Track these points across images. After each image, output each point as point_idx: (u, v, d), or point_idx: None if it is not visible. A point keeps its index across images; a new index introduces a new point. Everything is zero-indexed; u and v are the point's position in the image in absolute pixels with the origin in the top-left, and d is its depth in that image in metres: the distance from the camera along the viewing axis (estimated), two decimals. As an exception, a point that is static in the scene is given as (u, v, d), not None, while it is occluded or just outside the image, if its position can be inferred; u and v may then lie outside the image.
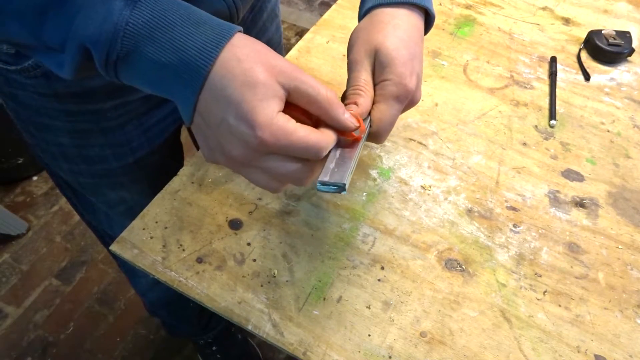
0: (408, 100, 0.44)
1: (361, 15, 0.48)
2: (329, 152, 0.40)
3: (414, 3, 0.46)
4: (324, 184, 0.38)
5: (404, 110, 0.46)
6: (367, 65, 0.44)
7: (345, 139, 0.41)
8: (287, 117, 0.34)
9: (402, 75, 0.43)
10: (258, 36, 0.71)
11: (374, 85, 0.44)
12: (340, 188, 0.38)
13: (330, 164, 0.40)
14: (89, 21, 0.32)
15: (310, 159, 0.37)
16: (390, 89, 0.43)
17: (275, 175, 0.37)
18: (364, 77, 0.43)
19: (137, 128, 0.62)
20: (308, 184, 0.39)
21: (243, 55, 0.34)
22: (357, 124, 0.39)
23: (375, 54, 0.44)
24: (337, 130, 0.39)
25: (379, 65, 0.44)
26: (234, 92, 0.33)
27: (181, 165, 0.61)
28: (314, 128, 0.37)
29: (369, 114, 0.44)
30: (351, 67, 0.45)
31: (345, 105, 0.43)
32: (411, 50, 0.44)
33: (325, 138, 0.36)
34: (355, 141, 0.41)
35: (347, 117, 0.38)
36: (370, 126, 0.44)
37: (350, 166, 0.39)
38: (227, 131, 0.34)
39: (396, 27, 0.44)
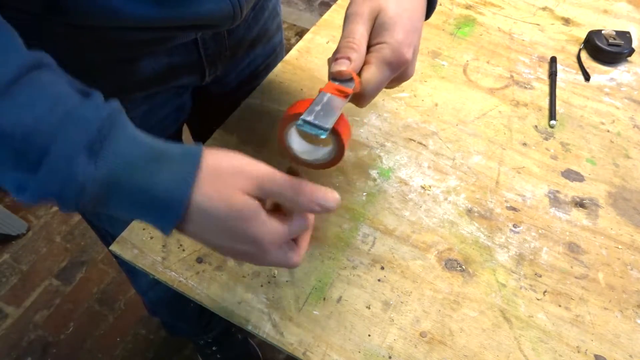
0: (400, 72, 0.43)
1: None
2: (318, 94, 0.40)
3: None
4: (306, 122, 0.38)
5: (393, 83, 0.45)
6: (367, 20, 0.42)
7: (338, 91, 0.41)
8: (277, 220, 0.37)
9: (401, 43, 0.42)
10: (260, 35, 0.71)
11: (370, 45, 0.43)
12: (322, 131, 0.38)
13: (317, 107, 0.39)
14: (53, 177, 0.31)
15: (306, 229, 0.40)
16: (386, 53, 0.42)
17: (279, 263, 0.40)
18: (361, 31, 0.42)
19: (137, 127, 0.62)
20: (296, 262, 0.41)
21: (211, 189, 0.34)
22: (331, 205, 0.38)
23: (377, 13, 0.42)
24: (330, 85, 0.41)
25: (378, 27, 0.42)
26: (221, 228, 0.35)
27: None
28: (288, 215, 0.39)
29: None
30: (349, 19, 0.43)
31: (337, 58, 0.42)
32: (414, 22, 0.43)
33: (303, 220, 0.39)
34: (345, 94, 0.41)
35: (319, 200, 0.37)
36: (358, 85, 0.42)
37: (336, 114, 0.39)
38: (238, 255, 0.38)
39: None
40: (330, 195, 0.37)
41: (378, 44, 0.42)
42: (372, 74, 0.42)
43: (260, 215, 0.36)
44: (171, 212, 0.34)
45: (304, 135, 0.44)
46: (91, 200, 0.33)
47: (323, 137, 0.38)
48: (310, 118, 0.38)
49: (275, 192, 0.36)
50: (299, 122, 0.38)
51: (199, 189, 0.34)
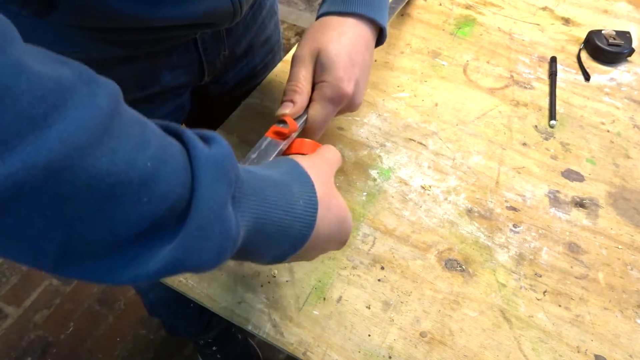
0: (345, 104, 0.47)
1: (315, 20, 0.51)
2: (258, 141, 0.44)
3: (361, 14, 0.49)
4: None
5: (342, 112, 0.49)
6: (308, 63, 0.47)
7: (276, 134, 0.44)
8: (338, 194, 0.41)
9: (340, 79, 0.46)
10: (258, 33, 0.71)
11: (314, 84, 0.47)
12: None
13: (253, 154, 0.43)
14: (204, 235, 0.26)
15: None
16: (326, 91, 0.46)
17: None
18: (303, 73, 0.46)
19: None
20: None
21: (323, 199, 0.37)
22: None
23: (317, 54, 0.47)
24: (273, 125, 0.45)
25: (319, 67, 0.47)
26: (333, 231, 0.39)
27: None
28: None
29: (305, 110, 0.47)
30: (293, 62, 0.48)
31: (283, 101, 0.46)
32: (353, 57, 0.47)
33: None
34: (284, 136, 0.45)
35: None
36: (306, 121, 0.47)
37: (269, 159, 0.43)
38: (327, 248, 0.41)
39: (341, 34, 0.47)
40: None
41: (320, 82, 0.47)
42: (316, 110, 0.47)
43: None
44: (305, 235, 0.35)
45: None
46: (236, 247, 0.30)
47: None
48: (245, 165, 0.42)
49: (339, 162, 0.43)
50: None
51: (319, 216, 0.36)
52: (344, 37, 0.47)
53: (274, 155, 0.43)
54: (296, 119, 0.46)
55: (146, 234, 0.24)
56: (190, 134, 0.28)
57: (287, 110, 0.45)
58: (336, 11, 0.49)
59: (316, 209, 0.35)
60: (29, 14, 0.43)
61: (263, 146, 0.44)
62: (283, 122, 0.45)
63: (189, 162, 0.26)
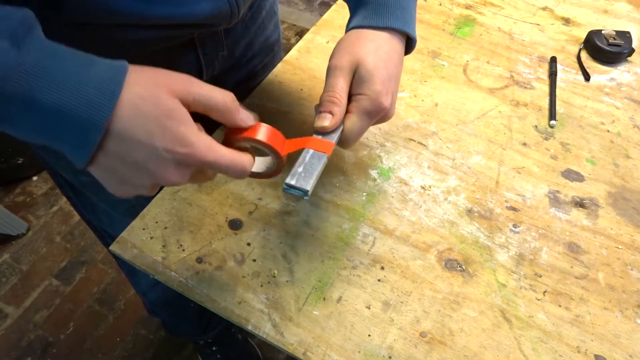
0: (380, 116, 0.47)
1: (346, 32, 0.51)
2: (301, 154, 0.43)
3: (395, 28, 0.49)
4: (290, 186, 0.42)
5: (376, 123, 0.49)
6: (346, 73, 0.46)
7: (318, 146, 0.44)
8: (210, 138, 0.37)
9: (379, 93, 0.46)
10: (257, 34, 0.71)
11: (350, 95, 0.47)
12: (304, 193, 0.41)
13: (299, 168, 0.43)
14: None
15: (233, 177, 0.40)
16: (365, 104, 0.46)
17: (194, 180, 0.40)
18: (341, 84, 0.46)
19: None
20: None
21: (142, 89, 0.34)
22: (252, 122, 0.41)
23: (356, 66, 0.46)
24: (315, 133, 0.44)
25: (358, 79, 0.46)
26: (153, 126, 0.34)
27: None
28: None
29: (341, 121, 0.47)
30: (331, 72, 0.47)
31: (321, 112, 0.46)
32: (390, 70, 0.47)
33: (248, 160, 0.40)
34: (327, 146, 0.45)
35: (243, 118, 0.40)
36: (342, 132, 0.47)
37: (315, 174, 0.42)
38: (156, 156, 0.35)
39: (378, 47, 0.47)
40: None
41: (358, 94, 0.46)
42: (353, 122, 0.46)
43: (190, 120, 0.36)
44: (103, 107, 0.32)
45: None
46: (13, 92, 0.31)
47: (306, 199, 0.42)
48: (292, 182, 0.42)
49: (203, 99, 0.36)
50: (284, 186, 0.42)
51: (129, 86, 0.33)
52: (381, 51, 0.47)
53: (320, 169, 0.43)
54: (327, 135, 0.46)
55: None
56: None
57: (326, 122, 0.45)
58: (370, 25, 0.49)
59: (119, 83, 0.33)
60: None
61: (307, 159, 0.44)
62: (320, 132, 0.45)
63: None
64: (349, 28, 0.51)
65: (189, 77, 0.37)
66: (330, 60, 0.48)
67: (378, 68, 0.46)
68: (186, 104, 0.36)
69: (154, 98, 0.34)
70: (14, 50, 0.30)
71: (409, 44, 0.52)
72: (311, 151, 0.44)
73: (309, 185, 0.41)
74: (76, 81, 0.32)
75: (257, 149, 0.42)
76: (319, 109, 0.46)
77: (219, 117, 0.38)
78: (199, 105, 0.37)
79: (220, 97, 0.37)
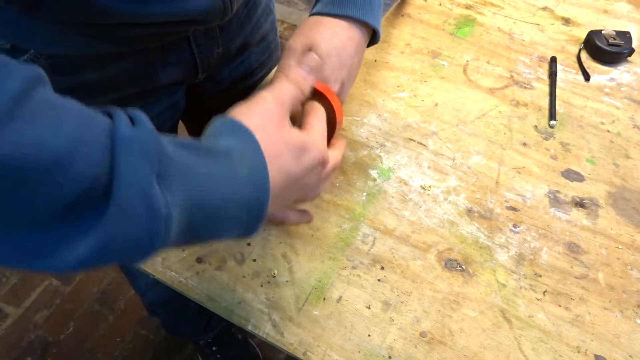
0: None
1: (308, 16, 0.52)
2: None
3: (354, 17, 0.49)
4: None
5: None
6: (298, 54, 0.48)
7: None
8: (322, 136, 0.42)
9: (326, 80, 0.47)
10: (253, 32, 0.71)
11: None
12: None
13: None
14: (128, 212, 0.27)
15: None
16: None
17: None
18: (293, 65, 0.48)
19: None
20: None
21: (267, 139, 0.37)
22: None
23: (308, 50, 0.48)
24: None
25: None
26: (293, 155, 0.38)
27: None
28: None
29: None
30: (284, 53, 0.49)
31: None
32: (342, 59, 0.48)
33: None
34: None
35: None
36: None
37: None
38: (301, 177, 0.39)
39: (334, 35, 0.49)
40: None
41: None
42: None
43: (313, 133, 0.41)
44: (260, 198, 0.34)
45: None
46: (180, 232, 0.30)
47: None
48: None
49: (295, 97, 0.41)
50: None
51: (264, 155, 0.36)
52: (336, 39, 0.48)
53: None
54: None
55: (66, 215, 0.24)
56: (120, 114, 0.28)
57: None
58: (329, 13, 0.50)
59: (264, 165, 0.34)
60: (15, 10, 0.43)
61: None
62: None
63: (111, 141, 0.26)
64: (310, 14, 0.52)
65: (280, 89, 0.42)
66: (287, 42, 0.50)
67: (330, 55, 0.47)
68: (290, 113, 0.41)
69: (281, 139, 0.38)
70: (165, 204, 0.28)
71: (373, 36, 0.53)
72: None
73: None
74: (232, 203, 0.33)
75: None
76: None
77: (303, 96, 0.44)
78: (293, 102, 0.42)
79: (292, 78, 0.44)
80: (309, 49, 0.48)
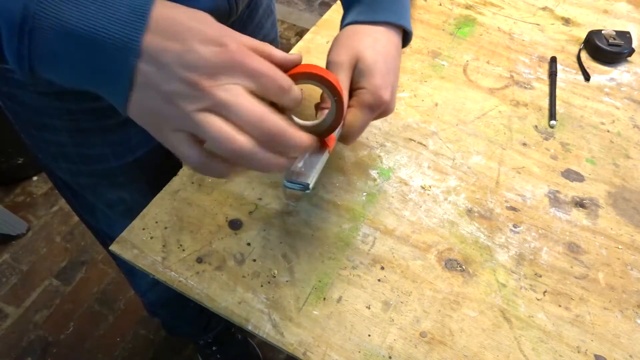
0: (381, 110, 0.47)
1: (341, 28, 0.51)
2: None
3: (391, 22, 0.49)
4: (291, 181, 0.41)
5: (376, 118, 0.49)
6: (347, 69, 0.46)
7: (317, 143, 0.43)
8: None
9: (379, 87, 0.46)
10: (254, 32, 0.71)
11: (350, 90, 0.47)
12: (305, 187, 0.41)
13: (299, 163, 0.42)
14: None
15: (280, 100, 0.34)
16: (366, 98, 0.46)
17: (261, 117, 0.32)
18: (343, 80, 0.46)
19: (136, 126, 0.62)
20: (291, 141, 0.34)
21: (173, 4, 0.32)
22: (296, 59, 0.37)
23: (356, 61, 0.46)
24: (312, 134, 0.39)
25: (358, 73, 0.46)
26: (187, 24, 0.31)
27: (181, 165, 0.61)
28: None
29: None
30: (331, 68, 0.47)
31: (323, 108, 0.45)
32: (388, 64, 0.47)
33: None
34: (325, 145, 0.44)
35: (285, 55, 0.36)
36: (342, 126, 0.46)
37: (317, 168, 0.42)
38: (193, 67, 0.31)
39: (376, 41, 0.47)
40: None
41: (358, 89, 0.46)
42: (355, 116, 0.46)
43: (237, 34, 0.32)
44: (135, 24, 0.30)
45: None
46: (34, 27, 0.30)
47: (307, 192, 0.41)
48: (293, 177, 0.41)
49: (243, 38, 0.33)
50: (284, 181, 0.41)
51: (158, 9, 0.31)
52: (378, 45, 0.47)
53: (320, 164, 0.42)
54: None
55: None
56: None
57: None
58: (365, 20, 0.49)
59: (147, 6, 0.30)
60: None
61: (307, 155, 0.43)
62: None
63: None
64: (344, 24, 0.51)
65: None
66: (328, 55, 0.48)
67: (377, 62, 0.46)
68: None
69: (185, 7, 0.32)
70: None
71: (405, 37, 0.52)
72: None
73: (309, 179, 0.41)
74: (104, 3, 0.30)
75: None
76: (320, 105, 0.46)
77: (261, 51, 0.34)
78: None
79: (259, 41, 0.35)
80: (356, 60, 0.46)
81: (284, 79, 0.33)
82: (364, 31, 0.48)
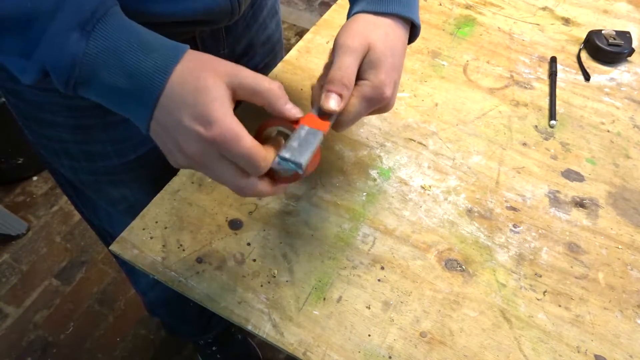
0: (380, 106, 0.47)
1: (348, 17, 0.50)
2: (296, 130, 0.42)
3: (399, 15, 0.47)
4: (283, 159, 0.41)
5: (373, 113, 0.48)
6: (359, 55, 0.45)
7: (315, 124, 0.43)
8: (239, 123, 0.37)
9: (382, 82, 0.45)
10: (258, 33, 0.71)
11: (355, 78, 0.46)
12: (297, 166, 0.40)
13: (294, 143, 0.41)
14: (50, 49, 0.35)
15: (249, 171, 0.39)
16: (367, 91, 0.45)
17: (227, 180, 0.40)
18: (353, 66, 0.44)
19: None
20: (247, 195, 0.41)
21: (191, 67, 0.37)
22: (299, 115, 0.41)
23: (367, 50, 0.45)
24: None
25: (365, 63, 0.45)
26: (188, 96, 0.36)
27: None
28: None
29: None
30: (342, 50, 0.45)
31: (330, 91, 0.44)
32: (395, 60, 0.46)
33: (267, 156, 0.39)
34: (323, 124, 0.43)
35: (289, 107, 0.40)
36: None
37: (310, 150, 0.41)
38: (184, 131, 0.37)
39: (386, 35, 0.46)
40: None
41: (362, 79, 0.45)
42: (352, 105, 0.45)
43: (225, 101, 0.37)
44: (147, 94, 0.37)
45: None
46: (79, 77, 0.36)
47: (300, 172, 0.40)
48: (287, 155, 0.40)
49: (250, 83, 0.38)
50: (278, 159, 0.41)
51: (175, 75, 0.37)
52: (388, 39, 0.46)
53: (315, 145, 0.42)
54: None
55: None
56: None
57: (335, 105, 0.43)
58: (375, 11, 0.47)
59: (172, 63, 0.37)
60: None
61: (302, 135, 0.42)
62: (322, 112, 0.44)
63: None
64: (352, 13, 0.49)
65: (239, 66, 0.39)
66: (339, 38, 0.46)
67: (386, 56, 0.45)
68: (232, 88, 0.38)
69: (198, 73, 0.37)
70: (83, 42, 0.35)
71: (413, 32, 0.51)
72: (307, 127, 0.42)
73: (302, 159, 0.40)
74: (132, 69, 0.37)
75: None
76: (327, 87, 0.44)
77: (265, 102, 0.39)
78: (246, 90, 0.38)
79: (267, 83, 0.39)
80: (367, 48, 0.45)
81: (256, 161, 0.38)
82: (374, 22, 0.47)
